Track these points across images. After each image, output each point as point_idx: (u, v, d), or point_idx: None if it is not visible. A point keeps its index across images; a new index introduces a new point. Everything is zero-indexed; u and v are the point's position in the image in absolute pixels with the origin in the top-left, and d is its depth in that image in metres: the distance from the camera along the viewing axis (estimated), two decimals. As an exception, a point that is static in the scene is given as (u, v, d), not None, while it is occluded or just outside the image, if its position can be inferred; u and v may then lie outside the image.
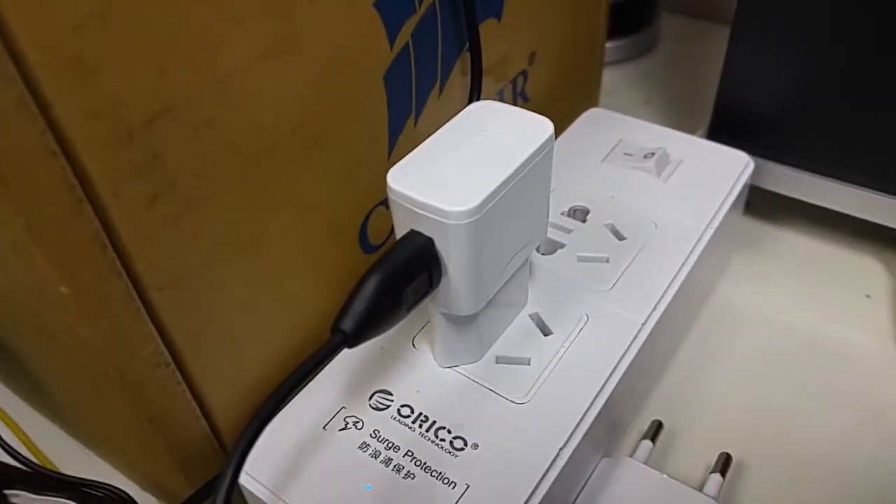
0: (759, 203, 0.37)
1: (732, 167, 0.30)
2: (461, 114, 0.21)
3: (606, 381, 0.23)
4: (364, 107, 0.23)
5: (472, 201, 0.18)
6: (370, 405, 0.22)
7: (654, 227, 0.27)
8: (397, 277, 0.18)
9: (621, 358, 0.23)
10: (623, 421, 0.27)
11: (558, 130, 0.33)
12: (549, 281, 0.26)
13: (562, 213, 0.28)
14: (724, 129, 0.33)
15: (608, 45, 0.46)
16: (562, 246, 0.27)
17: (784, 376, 0.29)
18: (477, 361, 0.23)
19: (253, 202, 0.20)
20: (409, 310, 0.19)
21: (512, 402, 0.22)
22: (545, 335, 0.24)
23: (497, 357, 0.23)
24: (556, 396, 0.22)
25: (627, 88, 0.46)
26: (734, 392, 0.29)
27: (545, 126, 0.20)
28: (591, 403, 0.22)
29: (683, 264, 0.26)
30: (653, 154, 0.30)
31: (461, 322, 0.22)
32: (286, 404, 0.22)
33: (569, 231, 0.27)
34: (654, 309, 0.25)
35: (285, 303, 0.23)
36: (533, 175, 0.20)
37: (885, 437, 0.27)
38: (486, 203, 0.18)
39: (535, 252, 0.27)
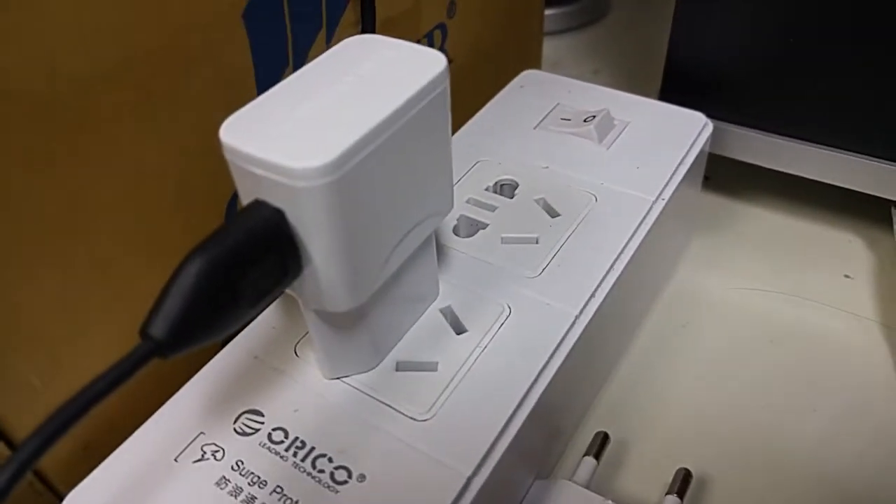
0: (720, 176, 0.32)
1: (687, 129, 0.26)
2: (330, 50, 0.16)
3: (531, 388, 0.18)
4: (216, 50, 0.18)
5: (328, 154, 0.13)
6: (235, 429, 0.17)
7: (594, 200, 0.23)
8: (229, 265, 0.14)
9: (550, 358, 0.19)
10: (560, 434, 0.22)
11: (489, 98, 0.29)
12: (467, 268, 0.21)
13: (486, 189, 0.24)
14: (676, 88, 0.28)
15: (554, 11, 0.42)
16: (483, 226, 0.22)
17: (753, 373, 0.25)
18: (372, 369, 0.18)
19: (56, 167, 0.15)
20: (253, 307, 0.14)
21: (412, 418, 0.17)
22: (458, 333, 0.19)
23: (398, 363, 0.19)
24: (467, 410, 0.17)
25: (574, 58, 0.42)
26: (695, 394, 0.25)
27: (435, 60, 0.16)
28: (512, 417, 0.17)
29: (628, 243, 0.22)
30: (593, 117, 0.26)
31: (343, 321, 0.17)
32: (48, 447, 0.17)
33: (493, 209, 0.23)
34: (592, 297, 0.20)
35: (119, 295, 0.18)
36: (421, 123, 0.15)
37: (868, 435, 0.23)
38: (350, 157, 0.14)
39: (452, 235, 0.22)
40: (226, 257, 0.14)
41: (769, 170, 0.29)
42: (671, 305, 0.28)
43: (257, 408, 0.18)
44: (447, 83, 0.16)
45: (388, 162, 0.15)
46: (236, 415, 0.18)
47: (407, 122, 0.15)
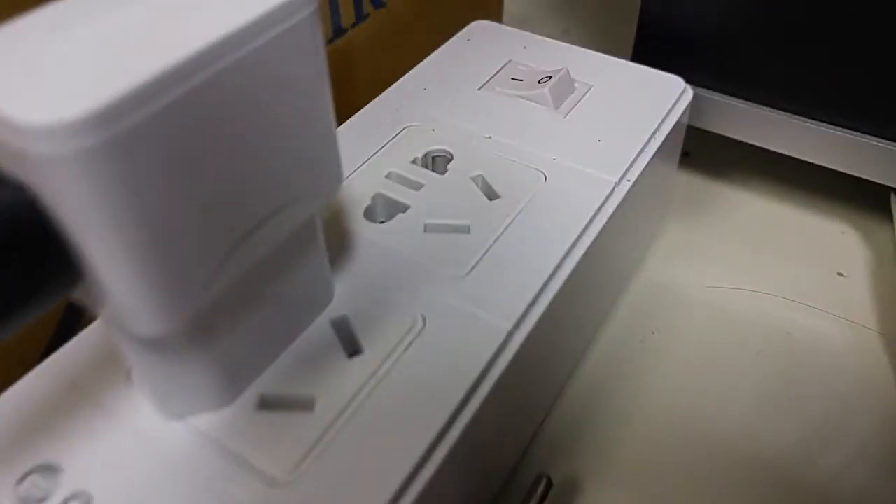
0: (699, 152, 0.28)
1: (662, 96, 0.21)
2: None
3: (445, 431, 0.13)
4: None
5: (87, 104, 0.08)
6: (19, 493, 0.13)
7: (544, 179, 0.18)
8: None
9: (472, 390, 0.14)
10: (490, 481, 0.17)
11: (429, 50, 0.24)
12: (376, 263, 0.16)
13: (412, 161, 0.19)
14: (651, 47, 0.24)
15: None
16: (404, 209, 0.18)
17: (733, 391, 0.21)
18: (227, 406, 0.14)
19: None
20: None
21: (274, 479, 0.13)
22: (350, 355, 0.14)
23: (262, 397, 0.14)
24: (351, 464, 0.13)
25: (544, 15, 0.37)
26: (663, 420, 0.20)
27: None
28: (415, 471, 0.13)
29: (582, 235, 0.17)
30: (549, 78, 0.21)
31: (171, 344, 0.12)
32: None
33: (418, 186, 0.18)
34: (532, 306, 0.16)
35: None
36: (270, 65, 0.10)
37: (852, 451, 0.19)
38: (131, 109, 0.09)
39: (362, 219, 0.17)
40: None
41: (756, 147, 0.25)
42: (636, 308, 0.23)
43: (55, 461, 0.13)
44: (314, 6, 0.11)
45: (208, 120, 0.10)
46: (23, 472, 0.13)
47: (240, 60, 0.10)
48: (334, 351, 0.14)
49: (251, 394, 0.14)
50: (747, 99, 0.23)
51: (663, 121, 0.20)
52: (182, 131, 0.10)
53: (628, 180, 0.18)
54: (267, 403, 0.14)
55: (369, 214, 0.18)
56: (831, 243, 0.26)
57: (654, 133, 0.20)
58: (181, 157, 0.10)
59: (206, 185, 0.10)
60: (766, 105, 0.24)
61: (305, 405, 0.14)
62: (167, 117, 0.09)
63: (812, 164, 0.24)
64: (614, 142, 0.19)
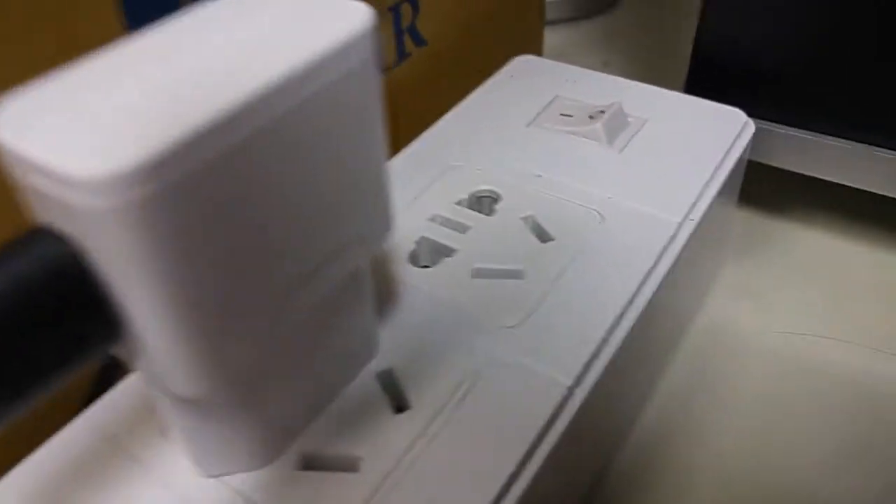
0: (760, 187, 0.26)
1: (723, 130, 0.20)
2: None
3: (502, 496, 0.12)
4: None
5: (134, 156, 0.08)
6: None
7: (600, 219, 0.17)
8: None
9: (529, 453, 0.13)
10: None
11: (472, 88, 0.23)
12: (422, 311, 0.15)
13: (457, 203, 0.18)
14: (707, 79, 0.23)
15: (561, -4, 0.36)
16: (450, 253, 0.17)
17: (802, 438, 0.19)
18: (267, 465, 0.13)
19: None
20: (30, 393, 0.09)
21: (318, 548, 0.11)
22: (397, 411, 0.13)
23: (304, 457, 0.13)
24: (401, 536, 0.12)
25: (583, 49, 0.36)
26: (726, 472, 0.19)
27: (354, 12, 0.10)
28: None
29: (646, 280, 0.16)
30: (602, 113, 0.20)
31: (208, 402, 0.11)
32: None
33: (464, 229, 0.17)
34: (594, 359, 0.14)
35: None
36: (322, 109, 0.10)
37: None
38: (180, 160, 0.08)
39: (406, 264, 0.16)
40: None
41: (817, 181, 0.23)
42: (697, 355, 0.22)
43: (87, 523, 0.12)
44: (371, 43, 0.10)
45: (261, 168, 0.09)
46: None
47: (297, 105, 0.09)
48: (380, 407, 0.13)
49: (292, 453, 0.13)
50: (809, 129, 0.22)
51: (726, 156, 0.19)
52: (234, 182, 0.09)
53: (692, 220, 0.17)
54: (309, 463, 0.13)
55: (414, 259, 0.17)
56: None
57: (716, 169, 0.19)
58: (230, 210, 0.09)
59: (256, 238, 0.09)
60: (829, 134, 0.22)
61: (350, 465, 0.13)
62: (219, 167, 0.09)
63: (880, 195, 0.23)
64: (675, 179, 0.18)
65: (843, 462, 0.19)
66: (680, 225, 0.17)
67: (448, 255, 0.17)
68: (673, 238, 0.17)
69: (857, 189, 0.23)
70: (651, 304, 0.16)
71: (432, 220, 0.18)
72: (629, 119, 0.20)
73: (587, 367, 0.14)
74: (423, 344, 0.15)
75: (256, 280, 0.10)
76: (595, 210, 0.17)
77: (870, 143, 0.22)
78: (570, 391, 0.14)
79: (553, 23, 0.37)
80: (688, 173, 0.18)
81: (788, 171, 0.24)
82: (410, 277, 0.16)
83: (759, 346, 0.22)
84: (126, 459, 0.13)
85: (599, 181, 0.18)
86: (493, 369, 0.14)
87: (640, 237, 0.17)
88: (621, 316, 0.15)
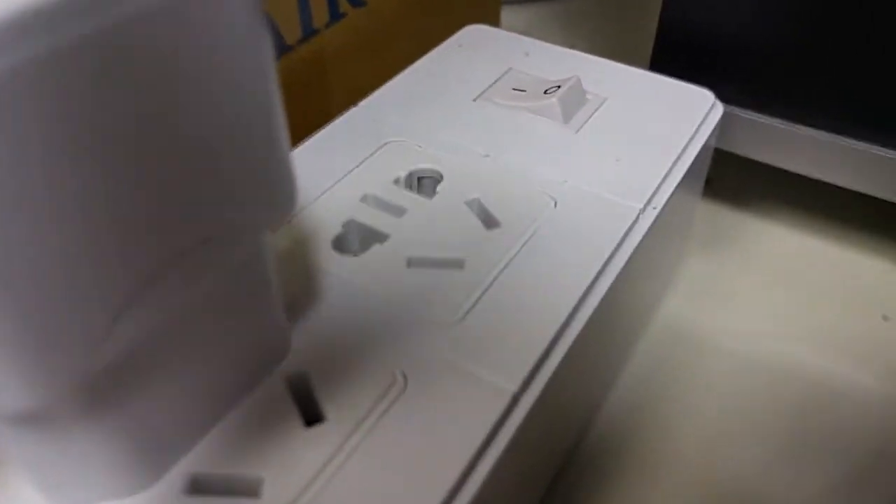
0: (722, 178, 0.25)
1: (689, 111, 0.18)
2: None
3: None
4: None
5: None
6: None
7: (553, 205, 0.15)
8: None
9: (467, 472, 0.11)
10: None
11: (416, 57, 0.21)
12: (346, 305, 0.13)
13: (394, 182, 0.16)
14: (673, 58, 0.21)
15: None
16: (382, 239, 0.14)
17: (757, 439, 0.18)
18: (144, 490, 0.10)
19: None
20: None
21: None
22: (309, 423, 0.11)
23: (193, 479, 0.11)
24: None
25: (548, 29, 0.34)
26: (685, 468, 0.17)
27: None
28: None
29: (603, 271, 0.14)
30: (558, 88, 0.18)
31: (53, 417, 0.09)
32: None
33: (400, 212, 0.15)
34: (543, 362, 0.12)
35: None
36: (191, 20, 0.08)
37: None
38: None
39: (331, 251, 0.14)
40: None
41: (787, 173, 0.22)
42: (654, 356, 0.20)
43: None
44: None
45: (103, 92, 0.07)
46: None
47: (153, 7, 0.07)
48: (289, 418, 0.11)
49: (178, 474, 0.10)
50: (782, 117, 0.21)
51: (692, 139, 0.17)
52: (68, 97, 0.07)
53: (654, 208, 0.15)
54: (199, 486, 0.10)
55: (340, 245, 0.15)
56: (876, 283, 0.23)
57: (681, 154, 0.17)
58: (65, 140, 0.07)
59: (99, 191, 0.07)
60: (804, 124, 0.21)
61: (249, 488, 0.10)
62: (47, 72, 0.06)
63: (851, 192, 0.21)
64: (636, 163, 0.16)
65: (796, 458, 0.18)
66: (641, 213, 0.15)
67: (380, 242, 0.14)
68: (632, 227, 0.15)
69: (826, 184, 0.22)
70: (607, 299, 0.14)
71: (363, 200, 0.15)
72: (588, 96, 0.18)
73: (535, 370, 0.12)
74: (345, 344, 0.12)
75: (102, 256, 0.08)
76: (549, 195, 0.15)
77: (845, 135, 0.20)
78: (516, 398, 0.12)
79: (514, 2, 0.36)
80: (650, 157, 0.17)
81: (755, 162, 0.22)
82: (335, 266, 0.14)
83: (718, 347, 0.20)
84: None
85: (553, 163, 0.16)
86: (427, 374, 0.12)
87: (597, 225, 0.15)
88: (574, 313, 0.13)
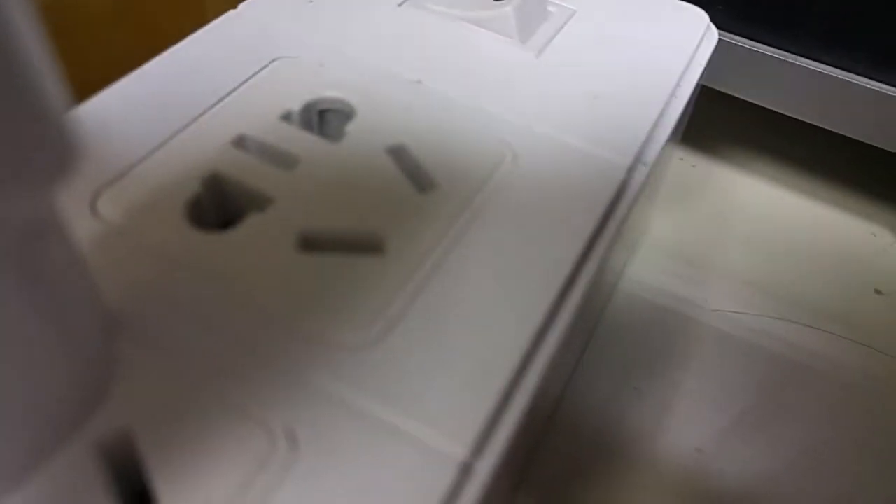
0: (699, 122, 0.21)
1: (680, 36, 0.14)
2: None
3: None
4: None
5: None
6: None
7: (510, 157, 0.11)
8: None
9: None
10: None
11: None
12: (200, 316, 0.08)
13: (282, 118, 0.11)
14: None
15: None
16: (263, 205, 0.10)
17: (710, 396, 0.15)
18: None
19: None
20: None
21: None
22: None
23: None
24: None
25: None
26: (659, 446, 0.14)
27: None
28: None
29: (585, 260, 0.10)
30: (513, -7, 0.13)
31: None
32: None
33: (291, 164, 0.10)
34: (504, 410, 0.08)
35: None
36: None
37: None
38: None
39: (185, 223, 0.09)
40: None
41: (770, 117, 0.18)
42: (620, 332, 0.16)
43: None
44: None
45: None
46: None
47: None
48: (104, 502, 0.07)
49: None
50: (778, 46, 0.17)
51: (685, 72, 0.13)
52: None
53: (645, 164, 0.11)
54: None
55: (197, 215, 0.10)
56: (869, 252, 0.20)
57: (674, 91, 0.13)
58: None
59: None
60: (790, 52, 0.17)
61: None
62: None
63: (842, 150, 0.18)
64: (619, 101, 0.12)
65: (764, 434, 0.15)
66: (630, 171, 0.11)
67: (260, 209, 0.10)
68: (621, 192, 0.11)
69: (811, 127, 0.18)
70: (589, 294, 0.10)
71: (236, 144, 0.10)
72: (550, 7, 0.14)
73: (492, 423, 0.08)
74: (193, 380, 0.08)
75: None
76: (504, 141, 0.11)
77: (843, 69, 0.17)
78: (467, 468, 0.08)
79: None
80: (637, 94, 0.12)
81: (735, 101, 0.18)
82: (188, 249, 0.09)
83: (693, 323, 0.17)
84: None
85: (509, 98, 0.12)
86: (324, 432, 0.08)
87: (573, 190, 0.11)
88: (549, 322, 0.09)
